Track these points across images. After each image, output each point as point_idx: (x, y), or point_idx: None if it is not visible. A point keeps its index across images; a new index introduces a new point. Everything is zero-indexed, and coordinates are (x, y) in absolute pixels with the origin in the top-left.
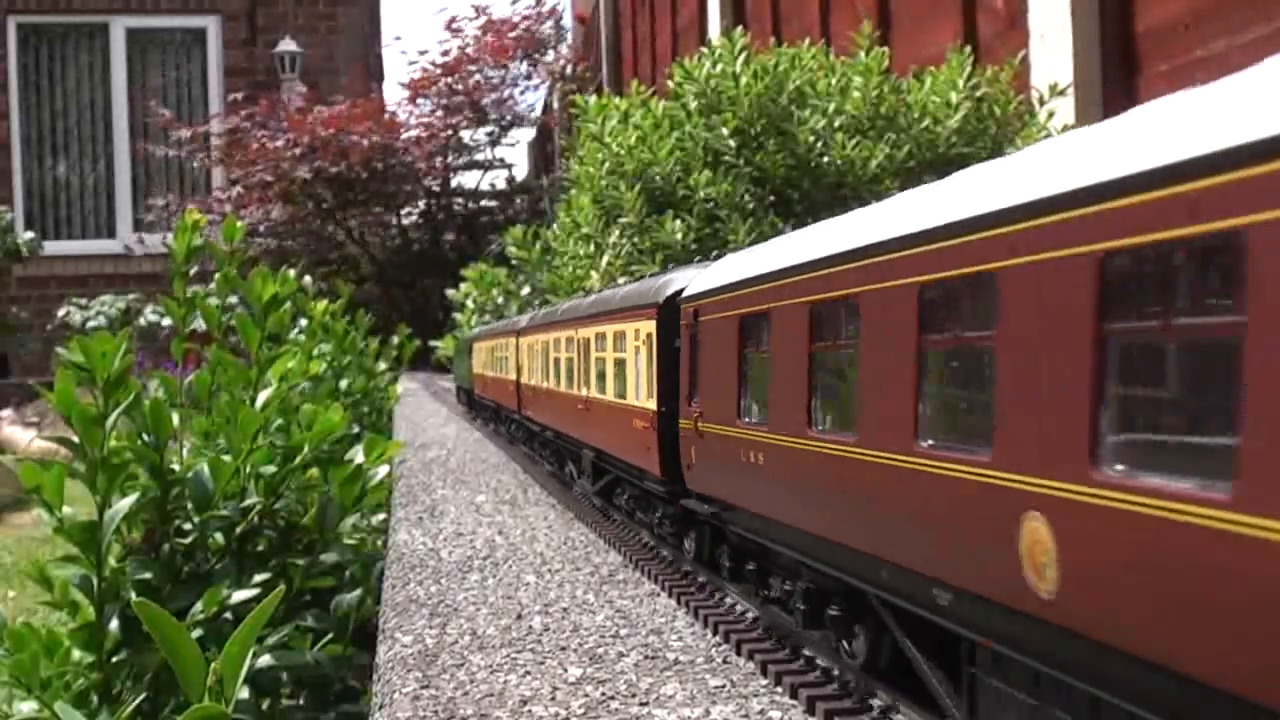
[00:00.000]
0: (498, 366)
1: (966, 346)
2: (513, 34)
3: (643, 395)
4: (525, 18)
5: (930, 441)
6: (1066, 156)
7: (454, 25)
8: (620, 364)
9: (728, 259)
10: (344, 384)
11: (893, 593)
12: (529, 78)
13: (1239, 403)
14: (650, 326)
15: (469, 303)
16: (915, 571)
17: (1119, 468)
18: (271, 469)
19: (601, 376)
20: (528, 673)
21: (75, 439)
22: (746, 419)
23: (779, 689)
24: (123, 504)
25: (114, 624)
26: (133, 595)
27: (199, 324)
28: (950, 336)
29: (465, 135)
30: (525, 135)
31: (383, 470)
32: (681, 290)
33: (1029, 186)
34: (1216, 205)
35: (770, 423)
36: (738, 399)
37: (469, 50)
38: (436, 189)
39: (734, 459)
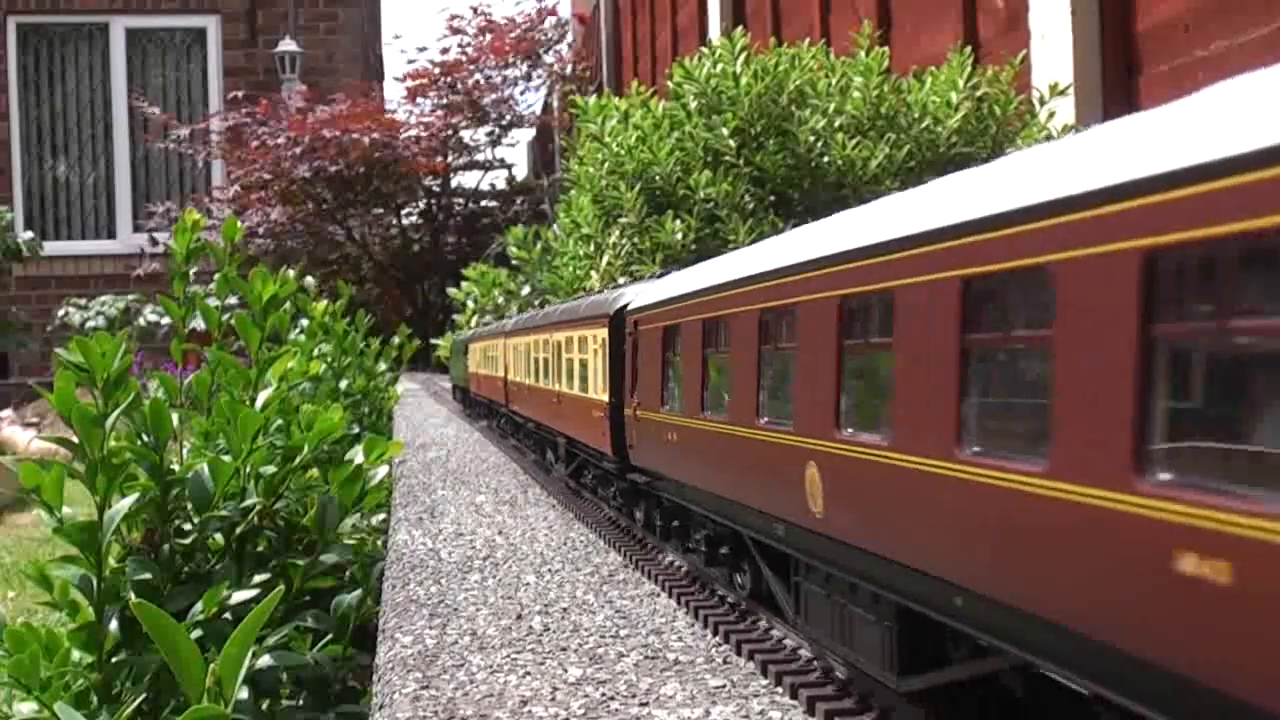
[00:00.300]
0: (489, 365)
1: (784, 352)
2: (513, 34)
3: (599, 390)
4: (527, 17)
5: (765, 419)
6: (946, 197)
7: (454, 24)
8: (584, 364)
9: (667, 278)
10: (344, 384)
11: (754, 531)
12: (529, 78)
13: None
14: (604, 333)
15: (470, 303)
16: (763, 512)
17: (849, 431)
18: (271, 469)
19: (570, 374)
20: (528, 673)
21: (75, 439)
22: (667, 407)
23: (779, 689)
24: (122, 504)
25: (114, 624)
26: (132, 596)
27: (198, 323)
28: (771, 346)
29: (465, 135)
30: (525, 135)
31: (383, 470)
32: (628, 304)
33: (914, 220)
34: (1031, 245)
35: (682, 410)
36: (661, 391)
37: (469, 50)
38: (437, 189)
39: (660, 439)
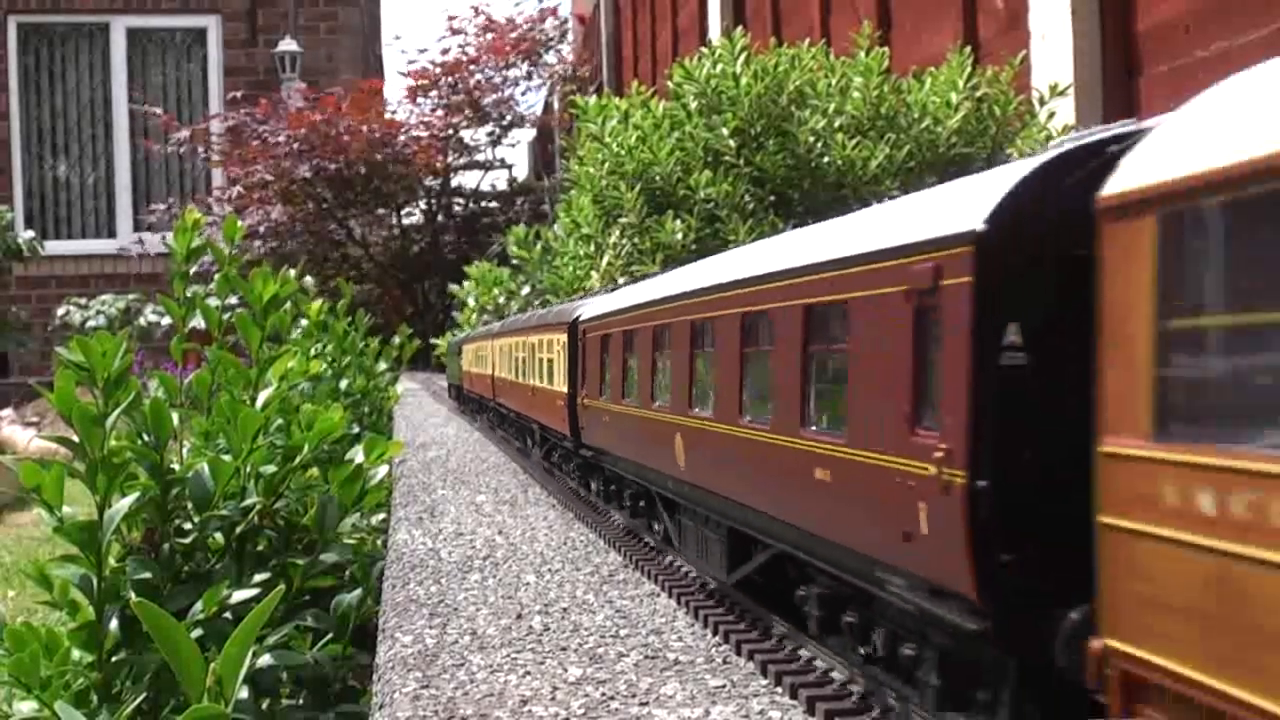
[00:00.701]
0: (479, 364)
1: (666, 355)
2: (514, 34)
3: (560, 383)
4: (529, 19)
5: (659, 402)
6: (790, 248)
7: (455, 25)
8: (550, 362)
9: (608, 295)
10: (344, 384)
11: (655, 485)
12: (529, 78)
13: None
14: (564, 337)
15: (470, 301)
16: (658, 471)
17: (695, 410)
18: (271, 469)
19: (540, 371)
20: (528, 673)
21: (75, 438)
22: (603, 396)
23: (779, 689)
24: (122, 504)
25: (114, 624)
26: (132, 595)
27: (198, 323)
28: (660, 351)
29: (466, 135)
30: (526, 136)
31: (382, 470)
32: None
33: (771, 261)
34: (832, 287)
35: (610, 398)
36: (600, 384)
37: (469, 50)
38: (437, 189)
39: (599, 421)
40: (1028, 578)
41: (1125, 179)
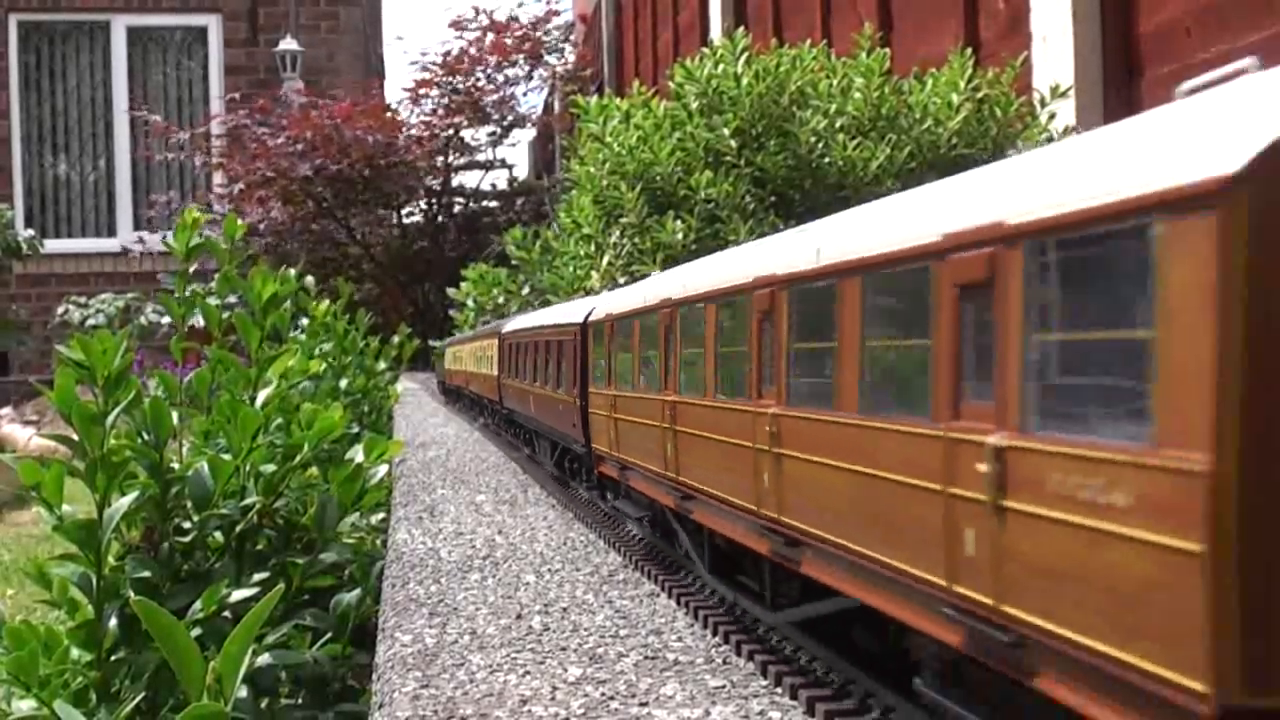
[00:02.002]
0: (456, 362)
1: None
2: (518, 34)
3: (491, 369)
4: (533, 19)
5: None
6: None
7: (459, 23)
8: (491, 359)
9: (524, 315)
10: (344, 383)
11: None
12: (529, 78)
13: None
14: (496, 341)
15: (469, 302)
16: (551, 428)
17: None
18: (271, 468)
19: (487, 364)
20: (527, 672)
21: (74, 437)
22: (517, 382)
23: (779, 690)
24: (122, 502)
25: (113, 622)
26: (132, 594)
27: (197, 321)
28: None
29: (466, 135)
30: (526, 136)
31: (382, 470)
32: (505, 329)
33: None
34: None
35: (517, 381)
36: (514, 374)
37: (471, 51)
38: (437, 189)
39: (514, 395)
40: None
41: None
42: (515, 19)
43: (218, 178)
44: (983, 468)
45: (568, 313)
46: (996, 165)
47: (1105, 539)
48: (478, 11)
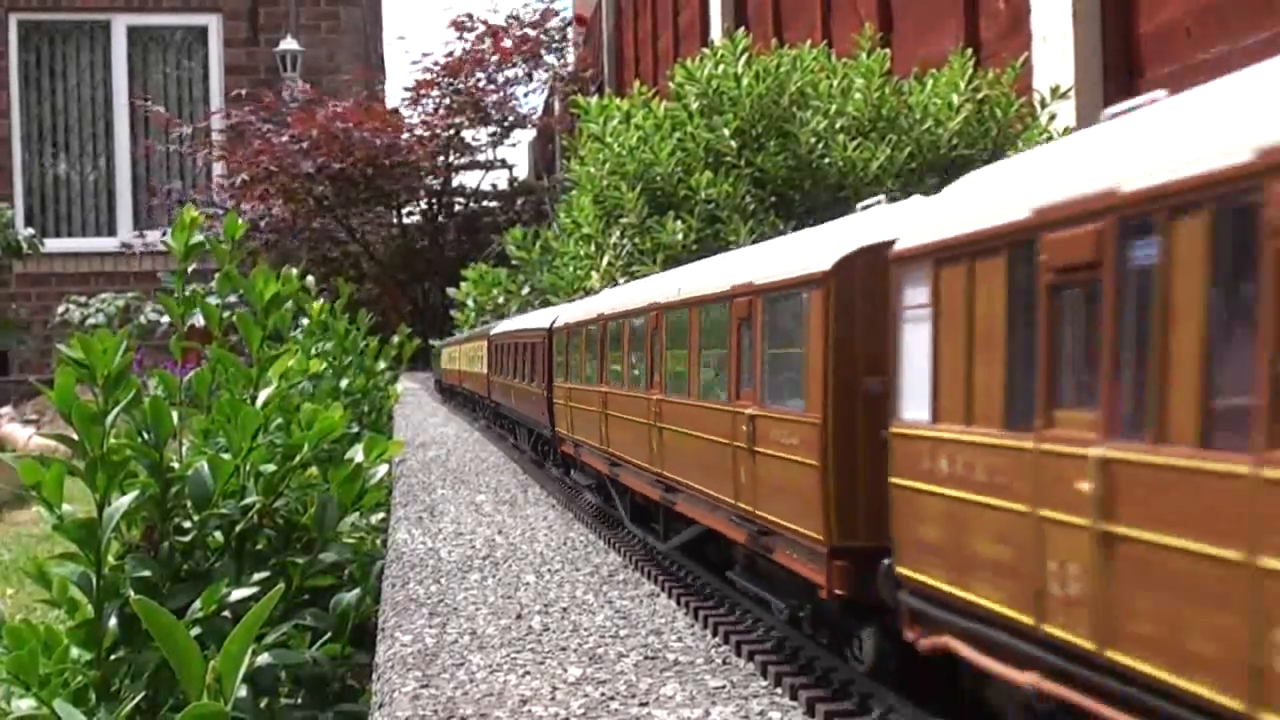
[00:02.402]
0: (451, 361)
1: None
2: (519, 34)
3: (482, 368)
4: (534, 19)
5: (556, 382)
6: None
7: (460, 24)
8: (480, 359)
9: (501, 322)
10: (344, 383)
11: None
12: (529, 79)
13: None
14: (486, 343)
15: (469, 302)
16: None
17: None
18: (271, 468)
19: (477, 363)
20: (527, 672)
21: (74, 436)
22: (496, 378)
23: (779, 690)
24: (122, 502)
25: (113, 622)
26: (132, 593)
27: (197, 321)
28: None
29: (467, 135)
30: (526, 136)
31: (382, 469)
32: (493, 330)
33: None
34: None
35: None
36: (501, 372)
37: (472, 52)
38: (438, 188)
39: (500, 390)
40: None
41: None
42: (516, 18)
43: (218, 169)
44: (744, 428)
45: (539, 319)
46: (725, 257)
47: (790, 463)
48: (472, 17)
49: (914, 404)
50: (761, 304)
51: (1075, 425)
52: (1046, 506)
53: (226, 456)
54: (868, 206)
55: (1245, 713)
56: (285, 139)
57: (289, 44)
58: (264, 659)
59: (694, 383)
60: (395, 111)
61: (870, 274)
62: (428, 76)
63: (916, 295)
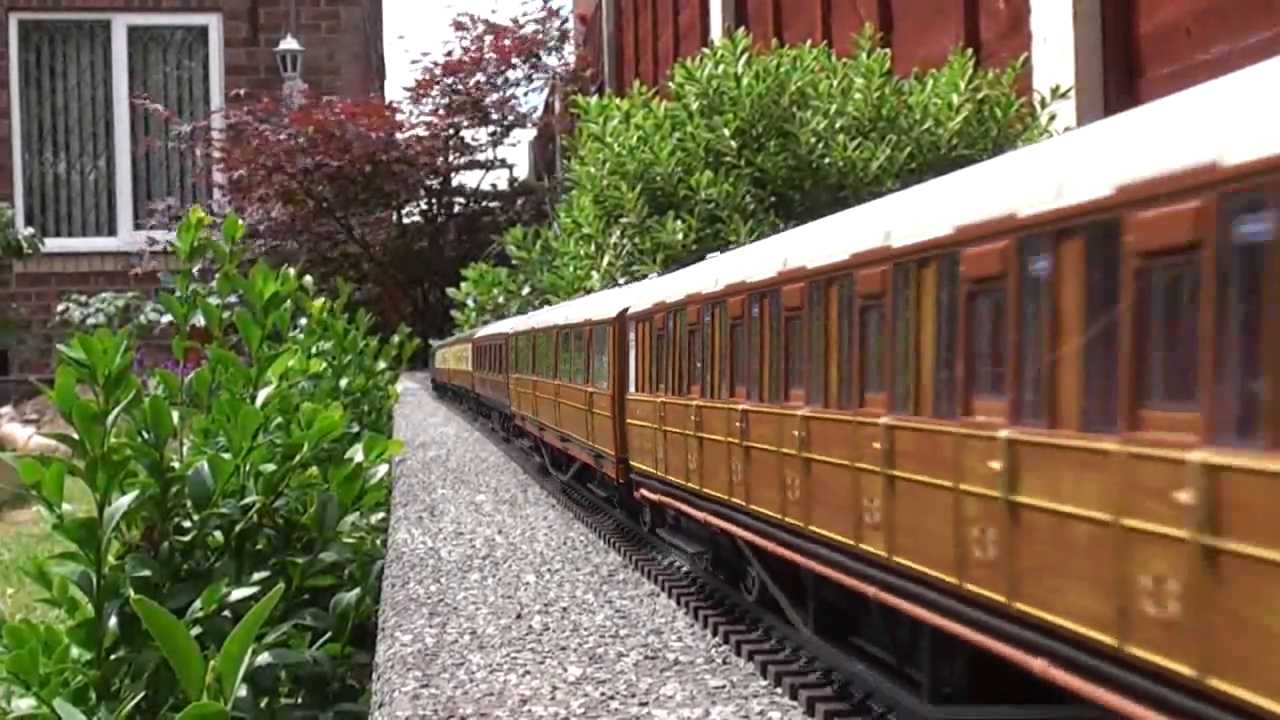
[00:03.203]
0: (444, 361)
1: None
2: (519, 34)
3: (467, 365)
4: (532, 21)
5: (513, 374)
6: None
7: (460, 24)
8: (467, 358)
9: (496, 324)
10: (344, 383)
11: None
12: (529, 79)
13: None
14: (471, 346)
15: (470, 302)
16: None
17: (513, 375)
18: (271, 467)
19: (462, 361)
20: (527, 672)
21: (75, 436)
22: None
23: (779, 690)
24: (122, 501)
25: (113, 621)
26: (132, 593)
27: (198, 320)
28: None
29: (467, 135)
30: (527, 135)
31: (382, 469)
32: (477, 334)
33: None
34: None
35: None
36: (488, 367)
37: (471, 53)
38: (437, 188)
39: (495, 387)
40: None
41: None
42: (516, 21)
43: (218, 177)
44: (589, 398)
45: (503, 327)
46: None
47: (601, 416)
48: (473, 18)
49: (632, 384)
50: (592, 331)
51: (689, 392)
52: (688, 428)
53: (226, 456)
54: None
55: (1115, 645)
56: (283, 137)
57: (289, 44)
58: (264, 659)
59: (558, 369)
60: (391, 106)
61: (631, 320)
62: (428, 76)
63: (633, 335)
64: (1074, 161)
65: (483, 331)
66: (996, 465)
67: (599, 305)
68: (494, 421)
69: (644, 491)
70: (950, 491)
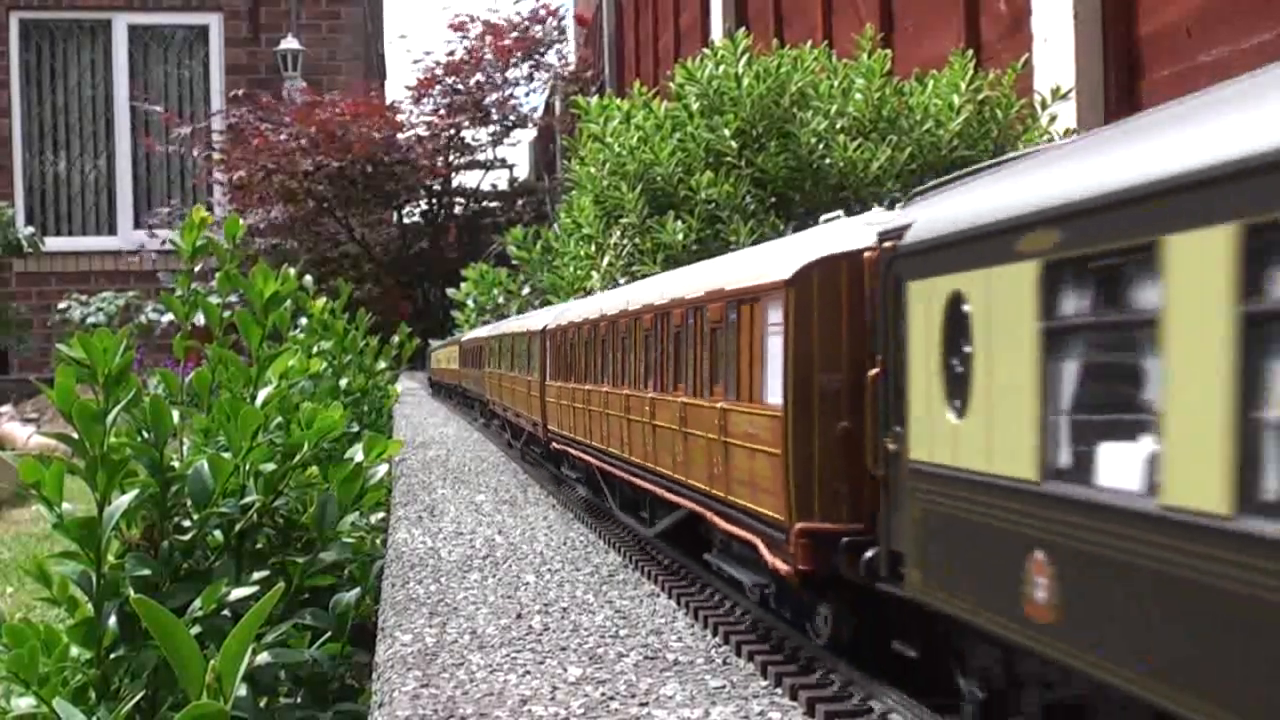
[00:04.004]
0: (437, 362)
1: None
2: (514, 33)
3: (453, 364)
4: (529, 19)
5: (486, 369)
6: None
7: (459, 24)
8: (453, 358)
9: (477, 329)
10: (344, 383)
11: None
12: (530, 79)
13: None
14: (458, 349)
15: (470, 302)
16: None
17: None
18: (271, 467)
19: (450, 361)
20: (527, 672)
21: (75, 435)
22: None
23: (779, 690)
24: (122, 501)
25: (112, 621)
26: (131, 592)
27: (198, 320)
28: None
29: (467, 135)
30: (527, 136)
31: (382, 469)
32: (462, 338)
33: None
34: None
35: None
36: (469, 365)
37: (473, 52)
38: (438, 188)
39: (482, 381)
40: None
41: None
42: (512, 21)
43: (218, 177)
44: (535, 385)
45: (483, 332)
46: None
47: (520, 387)
48: (474, 19)
49: (549, 376)
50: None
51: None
52: (577, 403)
53: (226, 456)
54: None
55: (713, 491)
56: (283, 137)
57: (290, 43)
58: (264, 658)
59: (514, 365)
60: (391, 105)
61: (549, 333)
62: (429, 75)
63: (550, 342)
64: (700, 276)
65: (466, 336)
66: (678, 414)
67: (534, 320)
68: (475, 409)
69: (554, 444)
70: (654, 426)
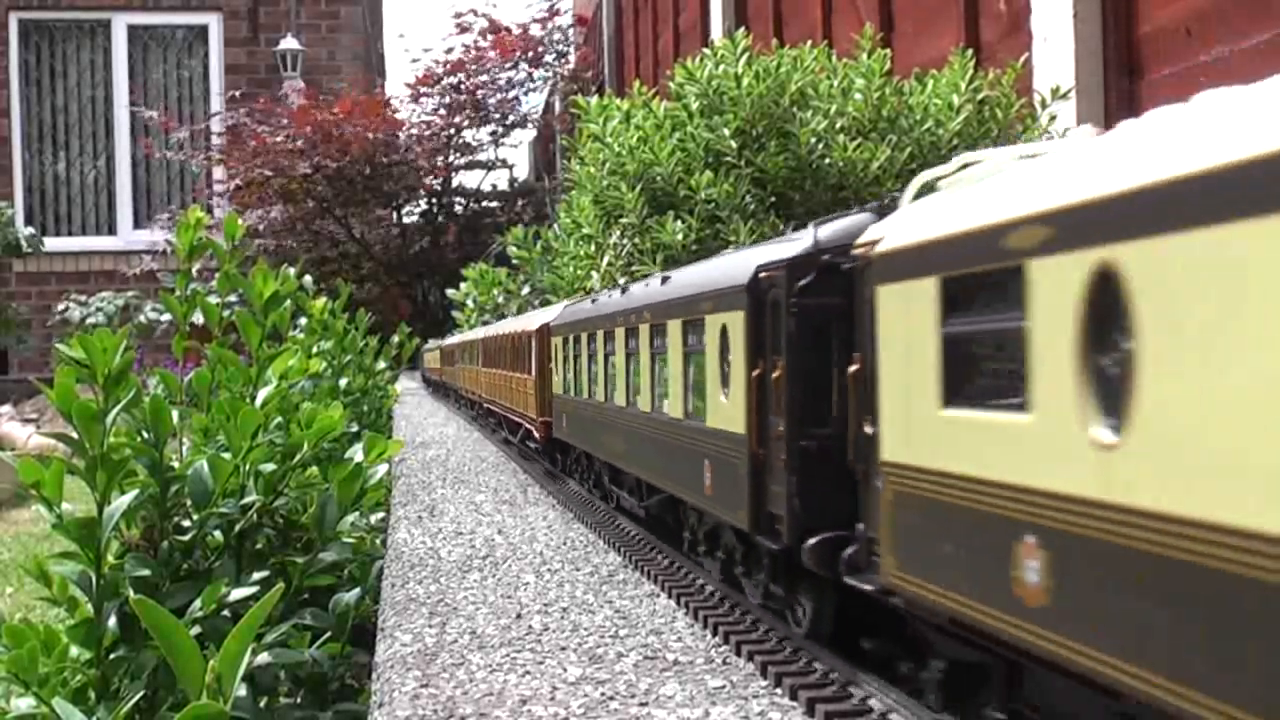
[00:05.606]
0: (432, 361)
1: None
2: (518, 35)
3: (436, 365)
4: (535, 21)
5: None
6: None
7: (461, 22)
8: (435, 356)
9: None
10: (343, 383)
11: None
12: (530, 79)
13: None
14: (439, 351)
15: (469, 302)
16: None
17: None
18: (271, 467)
19: (442, 360)
20: (527, 672)
21: (74, 435)
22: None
23: (779, 690)
24: (122, 501)
25: (112, 621)
26: (131, 592)
27: (197, 319)
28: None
29: (467, 135)
30: (527, 136)
31: (382, 469)
32: (446, 341)
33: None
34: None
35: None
36: (454, 363)
37: (473, 51)
38: (438, 188)
39: (456, 375)
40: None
41: None
42: (523, 25)
43: (218, 173)
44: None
45: (468, 336)
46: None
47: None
48: (476, 14)
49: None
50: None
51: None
52: (485, 378)
53: (226, 456)
54: None
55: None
56: (281, 139)
57: (289, 43)
58: (263, 658)
59: (468, 359)
60: (388, 104)
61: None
62: (428, 73)
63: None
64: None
65: (454, 339)
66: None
67: (476, 333)
68: (461, 405)
69: (483, 404)
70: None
